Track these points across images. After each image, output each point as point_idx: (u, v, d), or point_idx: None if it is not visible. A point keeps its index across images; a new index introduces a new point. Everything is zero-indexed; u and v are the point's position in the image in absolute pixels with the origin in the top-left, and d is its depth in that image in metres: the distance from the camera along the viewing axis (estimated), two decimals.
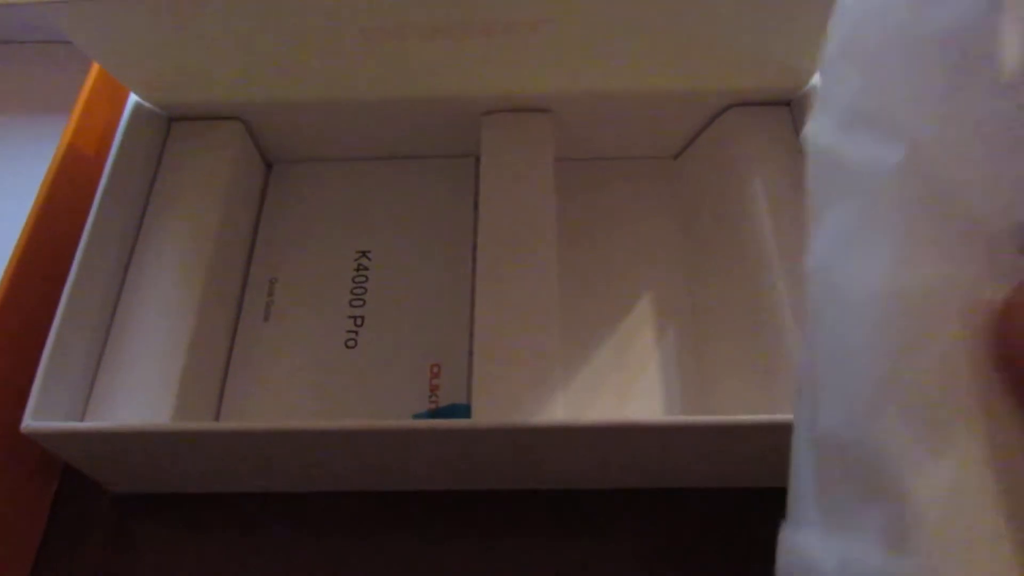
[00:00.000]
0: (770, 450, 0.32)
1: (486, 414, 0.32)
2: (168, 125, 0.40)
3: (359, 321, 0.39)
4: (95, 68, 0.40)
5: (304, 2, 0.26)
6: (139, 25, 0.33)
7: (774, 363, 0.33)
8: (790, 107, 0.39)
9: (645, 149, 0.43)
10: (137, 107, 0.38)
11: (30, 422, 0.30)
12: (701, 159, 0.41)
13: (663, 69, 0.37)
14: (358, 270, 0.41)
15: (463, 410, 0.36)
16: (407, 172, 0.43)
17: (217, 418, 0.37)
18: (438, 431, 0.31)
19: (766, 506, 0.34)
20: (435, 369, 0.38)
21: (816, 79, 0.37)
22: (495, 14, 0.32)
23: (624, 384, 0.37)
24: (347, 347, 0.39)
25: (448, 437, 0.31)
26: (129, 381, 0.33)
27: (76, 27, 0.33)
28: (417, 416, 0.36)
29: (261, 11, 0.32)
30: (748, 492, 0.35)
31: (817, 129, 0.19)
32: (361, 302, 0.40)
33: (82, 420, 0.32)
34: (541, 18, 0.33)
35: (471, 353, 0.37)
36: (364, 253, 0.41)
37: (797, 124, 0.39)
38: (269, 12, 0.32)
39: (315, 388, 0.38)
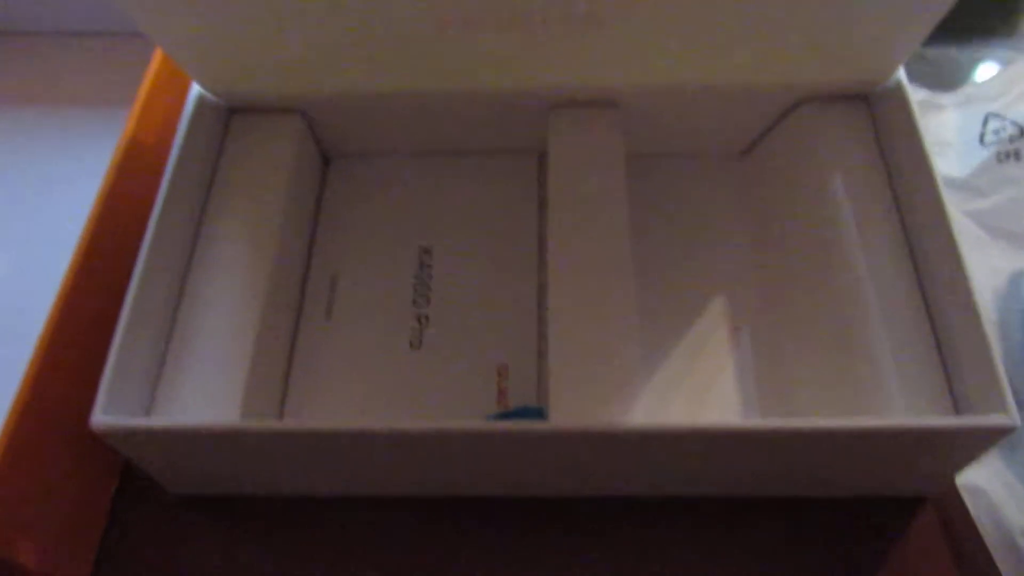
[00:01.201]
0: (857, 459, 0.31)
1: (564, 417, 0.31)
2: (228, 117, 0.39)
3: (423, 320, 0.38)
4: (156, 60, 0.40)
5: None
6: (206, 11, 0.32)
7: (861, 372, 0.32)
8: (867, 102, 0.38)
9: (712, 145, 0.42)
10: (199, 98, 0.38)
11: (100, 416, 0.29)
12: (773, 156, 0.40)
13: (733, 62, 0.36)
14: (421, 267, 0.40)
15: (535, 413, 0.35)
16: (469, 168, 0.42)
17: (280, 417, 0.36)
18: (513, 434, 0.30)
19: (847, 517, 0.33)
20: (503, 371, 0.37)
21: (899, 73, 0.36)
22: (569, 7, 0.31)
23: (699, 388, 0.35)
24: (411, 347, 0.38)
25: (524, 440, 0.30)
26: (195, 378, 0.32)
27: (143, 13, 0.32)
28: (488, 417, 0.35)
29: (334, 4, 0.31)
30: (828, 501, 0.34)
31: None
32: (425, 300, 0.39)
33: (148, 417, 0.32)
34: (610, 13, 0.32)
35: (539, 354, 0.37)
36: (426, 250, 0.40)
37: (876, 120, 0.37)
38: (344, 1, 0.31)
39: (378, 389, 0.37)
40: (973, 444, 0.29)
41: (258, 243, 0.36)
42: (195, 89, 0.38)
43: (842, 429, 0.28)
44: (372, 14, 0.32)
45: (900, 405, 0.30)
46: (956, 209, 0.39)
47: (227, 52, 0.35)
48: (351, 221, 0.41)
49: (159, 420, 0.31)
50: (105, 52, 0.45)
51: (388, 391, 0.37)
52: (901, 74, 0.36)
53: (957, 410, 0.30)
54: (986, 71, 0.43)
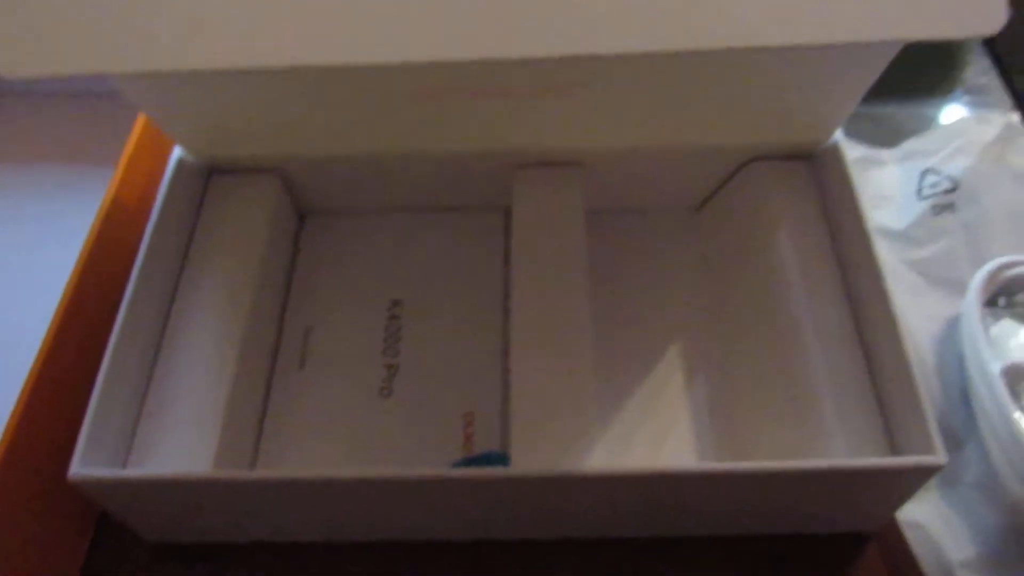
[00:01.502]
0: (802, 497, 0.32)
1: (525, 462, 0.32)
2: (208, 177, 0.41)
3: (393, 370, 0.40)
4: (140, 121, 0.42)
5: (354, 69, 0.27)
6: (190, 86, 0.34)
7: (806, 416, 0.34)
8: (811, 160, 0.41)
9: (669, 200, 0.44)
10: (180, 160, 0.40)
11: (78, 469, 0.30)
12: (724, 211, 0.42)
13: (688, 126, 0.39)
14: (391, 319, 0.41)
15: (499, 458, 0.36)
16: (439, 224, 0.44)
17: (254, 466, 0.37)
18: (477, 480, 0.31)
19: (796, 553, 0.35)
20: (469, 418, 0.38)
21: (836, 134, 0.39)
22: (532, 79, 0.34)
23: (657, 432, 0.37)
24: (381, 395, 0.39)
25: (487, 486, 0.31)
26: (170, 430, 0.34)
27: (130, 87, 0.34)
28: (453, 464, 0.37)
29: (310, 77, 0.33)
30: (779, 538, 0.35)
31: None
32: (394, 351, 0.40)
33: (124, 468, 0.33)
34: (574, 82, 0.34)
35: (505, 401, 0.38)
36: (397, 303, 0.42)
37: (817, 178, 0.40)
38: (318, 77, 0.33)
39: (349, 436, 0.38)
40: (908, 482, 0.31)
41: (234, 298, 0.37)
42: (176, 151, 0.40)
43: (788, 470, 0.30)
44: (347, 88, 0.35)
45: (841, 446, 0.32)
46: (895, 258, 0.42)
47: (209, 118, 0.37)
48: (325, 275, 0.43)
49: (134, 471, 0.32)
50: (88, 111, 0.47)
51: (359, 438, 0.38)
52: (839, 135, 0.39)
53: (893, 450, 0.32)
54: (924, 128, 0.46)
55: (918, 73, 0.49)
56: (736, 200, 0.42)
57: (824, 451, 0.32)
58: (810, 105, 0.37)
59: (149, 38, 0.27)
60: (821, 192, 0.39)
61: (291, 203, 0.44)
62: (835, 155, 0.38)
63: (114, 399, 0.33)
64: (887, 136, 0.46)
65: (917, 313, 0.40)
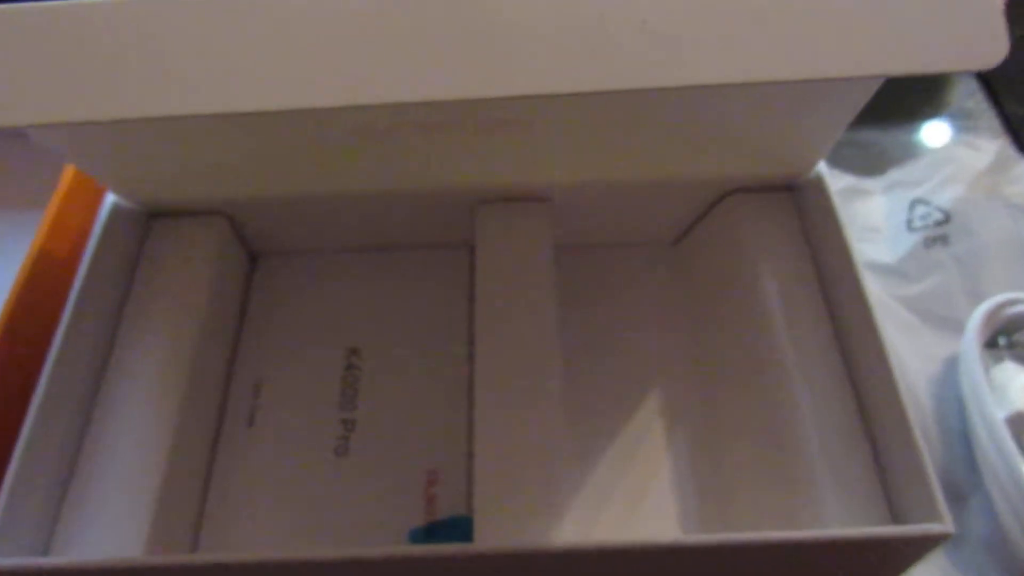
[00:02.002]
0: (796, 569, 0.30)
1: (490, 535, 0.29)
2: (148, 221, 0.38)
3: (350, 425, 0.37)
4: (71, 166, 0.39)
5: (291, 111, 0.24)
6: (114, 132, 0.31)
7: (791, 468, 0.31)
8: (793, 192, 0.38)
9: (643, 235, 0.42)
10: (115, 205, 0.37)
11: None
12: (702, 245, 0.40)
13: (663, 158, 0.36)
14: (348, 369, 0.38)
15: (464, 524, 0.33)
16: (399, 263, 0.42)
17: (196, 537, 0.34)
18: (437, 558, 0.28)
19: None
20: (432, 476, 0.35)
21: (819, 165, 0.36)
22: (491, 113, 0.31)
23: (633, 493, 0.34)
24: (337, 454, 0.36)
25: (448, 564, 0.29)
26: (99, 508, 0.30)
27: (45, 135, 0.31)
28: (415, 531, 0.34)
29: (246, 119, 0.30)
30: None
31: None
32: (352, 404, 0.37)
33: (46, 554, 0.30)
34: (538, 116, 0.31)
35: (470, 456, 0.35)
36: (354, 351, 0.39)
37: (800, 210, 0.37)
38: (258, 119, 0.30)
39: (303, 499, 0.35)
40: (910, 552, 0.28)
41: (175, 353, 0.34)
42: (111, 196, 0.37)
43: (779, 542, 0.27)
44: (287, 129, 0.32)
45: (835, 512, 0.29)
46: (886, 294, 0.39)
47: (140, 163, 0.34)
48: (278, 322, 0.40)
49: (55, 559, 0.29)
50: (12, 151, 0.44)
51: (312, 502, 0.35)
52: (822, 167, 0.36)
53: (893, 515, 0.29)
54: (911, 155, 0.44)
55: (900, 96, 0.47)
56: (714, 235, 0.39)
57: (818, 517, 0.29)
58: (792, 136, 0.35)
59: (70, 87, 0.24)
60: (805, 225, 0.37)
61: (240, 245, 0.41)
62: (819, 186, 0.36)
63: (35, 475, 0.30)
64: (872, 164, 0.44)
65: (911, 353, 0.37)
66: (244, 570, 0.28)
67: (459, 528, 0.33)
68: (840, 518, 0.29)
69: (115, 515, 0.30)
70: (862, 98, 0.30)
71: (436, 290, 0.41)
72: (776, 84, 0.24)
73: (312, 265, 0.42)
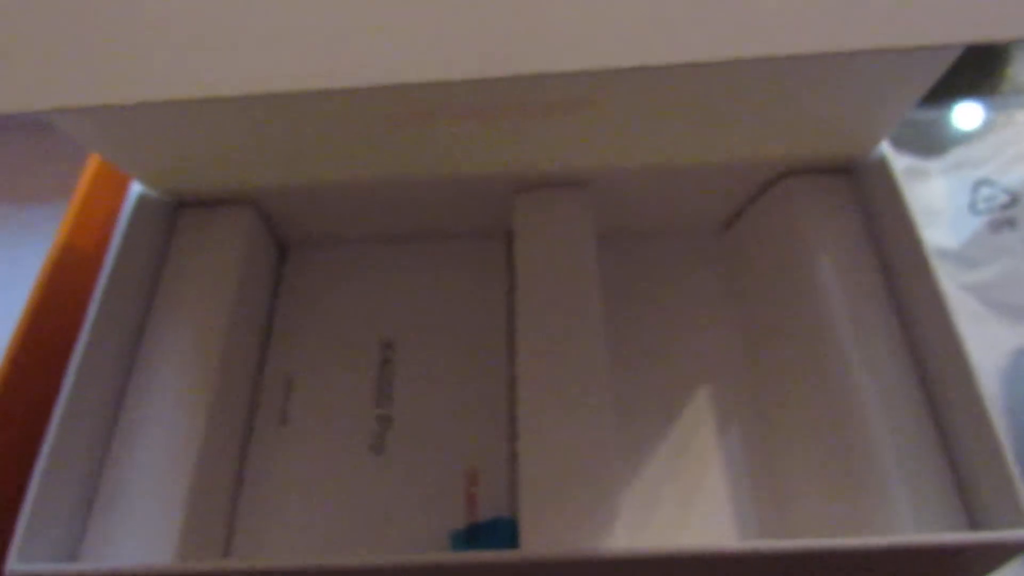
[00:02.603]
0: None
1: (537, 540, 0.28)
2: (175, 212, 0.37)
3: (386, 422, 0.35)
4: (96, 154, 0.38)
5: (323, 93, 0.23)
6: (141, 118, 0.30)
7: (859, 469, 0.29)
8: (852, 175, 0.36)
9: (689, 222, 0.40)
10: (141, 195, 0.35)
11: (15, 566, 0.26)
12: (754, 232, 0.38)
13: (712, 139, 0.34)
14: (383, 364, 0.37)
15: (507, 525, 0.32)
16: (433, 254, 0.40)
17: (229, 541, 0.33)
18: (483, 565, 0.27)
19: None
20: (472, 476, 0.34)
21: (882, 145, 0.34)
22: (531, 96, 0.29)
23: (685, 495, 0.33)
24: (372, 451, 0.35)
25: (494, 571, 0.27)
26: (129, 513, 0.29)
27: (69, 121, 0.30)
28: (456, 533, 0.32)
29: (279, 103, 0.29)
30: None
31: None
32: (388, 400, 0.36)
33: (75, 561, 0.28)
34: (582, 99, 0.30)
35: (513, 456, 0.34)
36: (390, 344, 0.37)
37: (861, 194, 0.35)
38: (284, 102, 0.29)
39: (339, 499, 0.34)
40: (992, 559, 0.26)
41: (205, 348, 0.33)
42: (137, 185, 0.36)
43: (848, 549, 0.25)
44: (319, 113, 0.30)
45: (908, 517, 0.27)
46: (951, 282, 0.37)
47: (169, 152, 0.33)
48: (309, 315, 0.39)
49: (82, 565, 0.28)
50: (38, 144, 0.43)
51: (348, 502, 0.34)
52: (885, 146, 0.34)
53: (971, 521, 0.27)
54: (972, 133, 0.41)
55: (961, 71, 0.44)
56: (767, 221, 0.37)
57: (889, 523, 0.27)
58: (856, 113, 0.32)
59: (92, 69, 0.23)
60: (866, 210, 0.35)
61: (270, 236, 0.39)
62: (882, 167, 0.34)
63: (62, 477, 0.28)
64: (932, 144, 0.41)
65: (977, 345, 0.35)
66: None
67: (502, 530, 0.32)
68: (913, 524, 0.27)
69: (145, 520, 0.29)
70: (936, 71, 0.28)
71: (473, 281, 0.39)
72: (851, 55, 0.22)
73: (344, 256, 0.40)
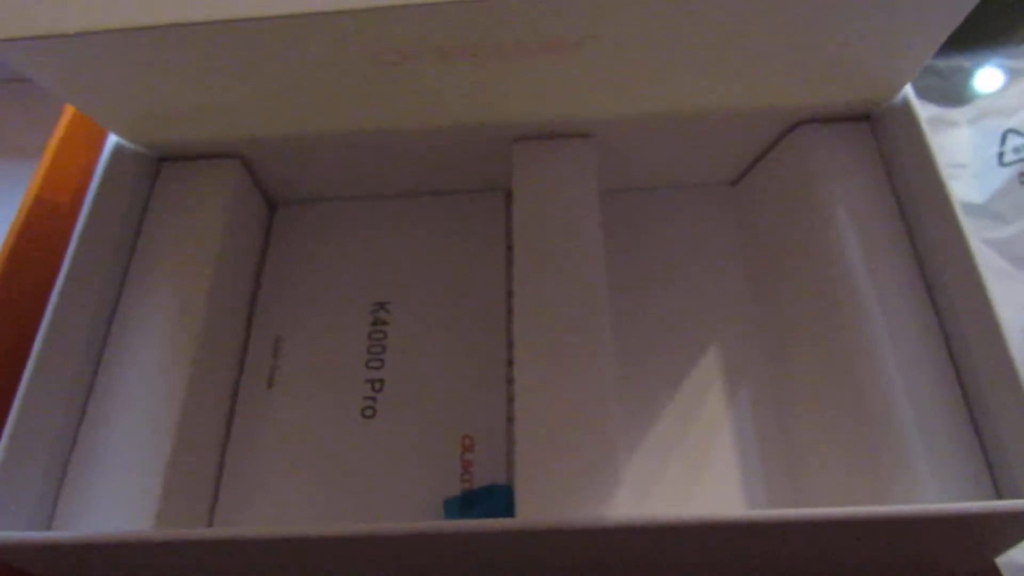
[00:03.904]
0: (880, 549, 0.26)
1: (533, 508, 0.26)
2: (157, 166, 0.35)
3: (377, 386, 0.34)
4: (70, 107, 0.36)
5: (305, 29, 0.21)
6: (114, 61, 0.28)
7: (877, 434, 0.27)
8: (870, 121, 0.34)
9: (698, 175, 0.38)
10: (118, 148, 0.33)
11: None
12: (767, 185, 0.36)
13: (723, 86, 0.32)
14: (375, 325, 0.35)
15: (503, 493, 0.30)
16: (428, 210, 0.38)
17: (213, 509, 0.31)
18: (476, 534, 0.25)
19: None
20: (467, 442, 0.32)
21: (906, 89, 0.32)
22: (531, 33, 0.27)
23: (692, 461, 0.31)
24: (364, 416, 0.33)
25: (488, 538, 0.25)
26: (105, 478, 0.28)
27: (38, 65, 0.28)
28: (450, 501, 0.31)
29: (257, 41, 0.27)
30: None
31: None
32: (379, 363, 0.34)
33: (49, 528, 0.27)
34: (585, 35, 0.27)
35: (509, 421, 0.32)
36: (382, 305, 0.36)
37: (881, 142, 0.33)
38: (266, 42, 0.27)
39: (328, 465, 0.32)
40: (1019, 529, 0.25)
41: (186, 308, 0.31)
42: (113, 137, 0.34)
43: (863, 518, 0.24)
44: (302, 54, 0.28)
45: (930, 486, 0.25)
46: (976, 238, 0.35)
47: (145, 101, 0.31)
48: (298, 275, 0.37)
49: (54, 533, 0.26)
50: (8, 98, 0.41)
51: (338, 467, 0.32)
52: (908, 90, 0.32)
53: (997, 489, 0.25)
54: (1000, 81, 0.39)
55: (986, 16, 0.41)
56: (781, 172, 0.35)
57: (909, 490, 0.25)
58: (878, 56, 0.30)
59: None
60: (886, 160, 0.33)
61: (257, 192, 0.37)
62: (906, 113, 0.31)
63: (34, 440, 0.27)
64: (957, 92, 0.39)
65: (1004, 303, 0.33)
66: (266, 546, 0.26)
67: (497, 497, 0.30)
68: (936, 492, 0.25)
69: (123, 485, 0.28)
70: (962, 9, 0.26)
71: (469, 239, 0.37)
72: None
73: (334, 213, 0.39)
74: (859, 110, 0.33)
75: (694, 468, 0.31)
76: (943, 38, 0.28)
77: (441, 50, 0.28)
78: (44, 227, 0.32)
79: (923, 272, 0.30)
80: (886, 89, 0.32)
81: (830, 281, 0.30)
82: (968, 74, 0.40)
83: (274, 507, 0.31)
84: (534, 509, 0.26)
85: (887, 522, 0.24)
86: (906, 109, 0.31)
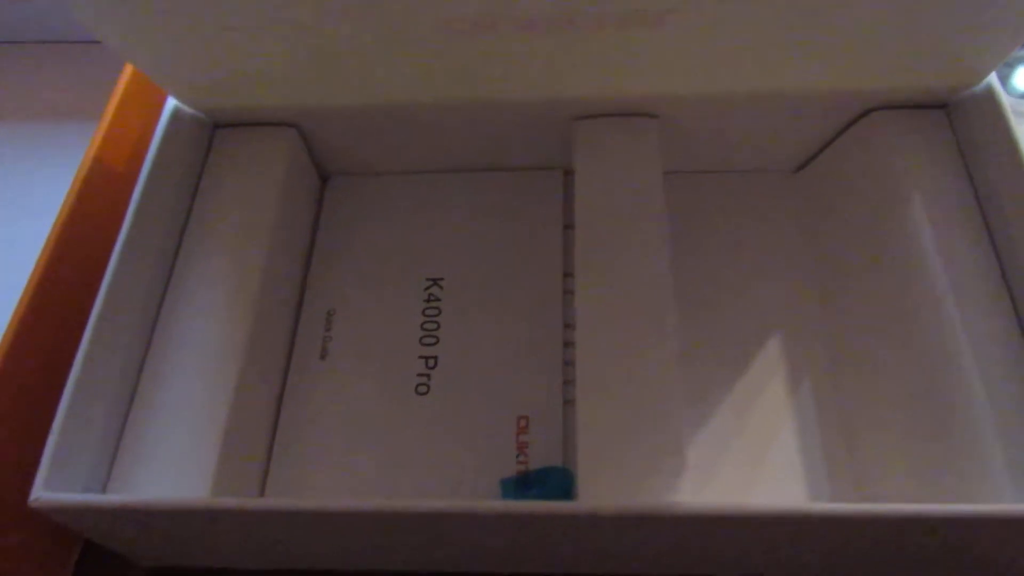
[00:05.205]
0: (952, 547, 0.25)
1: (597, 493, 0.26)
2: (212, 133, 0.35)
3: (431, 363, 0.33)
4: (128, 69, 0.35)
5: None
6: (179, 21, 0.27)
7: (951, 431, 0.26)
8: (947, 110, 0.33)
9: (761, 161, 0.37)
10: (176, 112, 0.33)
11: (41, 494, 0.24)
12: (838, 171, 0.35)
13: (799, 67, 0.31)
14: (429, 301, 0.35)
15: (560, 475, 0.30)
16: (482, 187, 0.37)
17: (264, 478, 0.31)
18: (537, 516, 0.24)
19: None
20: (523, 423, 0.32)
21: (989, 78, 0.31)
22: (616, 3, 0.26)
23: (752, 451, 0.30)
24: (417, 393, 0.33)
25: (548, 522, 0.25)
26: (161, 443, 0.27)
27: (104, 23, 0.27)
28: (506, 481, 0.30)
29: (326, 3, 0.26)
30: None
31: None
32: (433, 339, 0.34)
33: (104, 491, 0.27)
34: (669, 9, 0.26)
35: (566, 404, 0.32)
36: (435, 281, 0.35)
37: (959, 131, 0.32)
38: (335, 3, 0.26)
39: (381, 440, 0.32)
40: None
41: (241, 277, 0.31)
42: (172, 100, 0.33)
43: (936, 515, 0.23)
44: (371, 17, 0.28)
45: (1006, 486, 0.24)
46: None
47: (206, 63, 0.30)
48: (350, 248, 0.36)
49: (113, 498, 0.26)
50: (68, 62, 0.40)
51: (391, 445, 0.32)
52: (993, 78, 0.30)
53: None
54: None
55: None
56: (852, 159, 0.34)
57: (983, 491, 0.25)
58: (965, 41, 0.29)
59: None
60: (964, 150, 0.31)
61: (311, 162, 0.37)
62: (989, 102, 0.30)
63: (91, 405, 0.27)
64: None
65: None
66: (316, 519, 0.25)
67: (555, 480, 0.30)
68: (1012, 492, 0.24)
69: (179, 452, 0.28)
70: None
71: (525, 217, 0.36)
72: None
73: (386, 187, 0.38)
74: (937, 97, 0.32)
75: (754, 458, 0.30)
76: None
77: (517, 20, 0.27)
78: (102, 185, 0.32)
79: (1002, 264, 0.29)
80: (969, 76, 0.31)
81: (903, 272, 0.29)
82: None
83: (326, 478, 0.31)
84: (598, 493, 0.26)
85: (963, 521, 0.23)
86: (989, 97, 0.30)
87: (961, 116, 0.32)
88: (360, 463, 0.31)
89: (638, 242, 0.31)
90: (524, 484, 0.30)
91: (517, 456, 0.31)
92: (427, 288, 0.35)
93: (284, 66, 0.31)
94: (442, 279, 0.35)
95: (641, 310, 0.29)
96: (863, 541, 0.25)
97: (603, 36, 0.28)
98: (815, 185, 0.36)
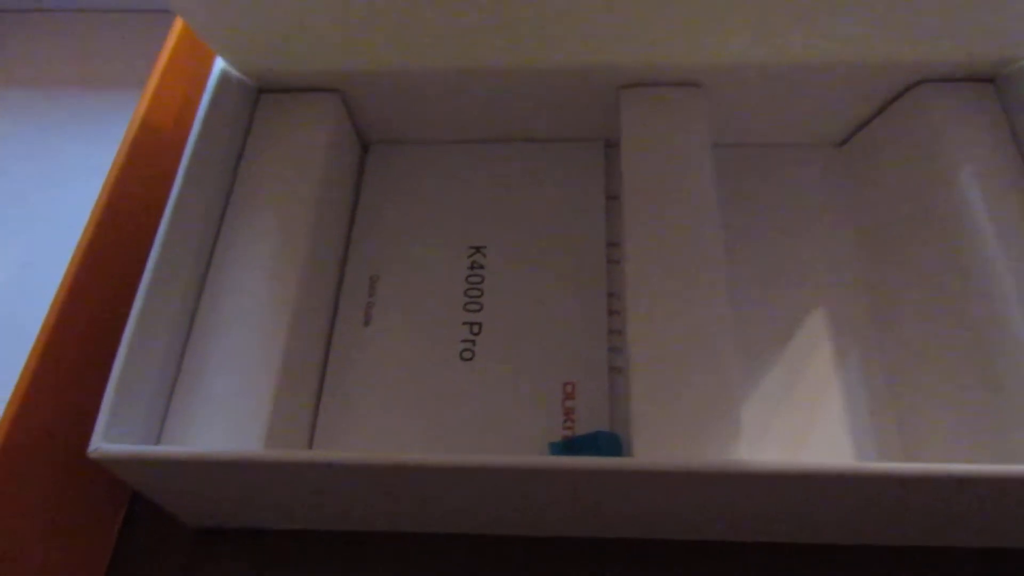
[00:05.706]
0: (1000, 508, 0.25)
1: (650, 449, 0.26)
2: (256, 97, 0.35)
3: (476, 328, 0.33)
4: (173, 38, 0.35)
5: None
6: None
7: (1004, 399, 0.26)
8: (995, 84, 0.33)
9: (805, 134, 0.37)
10: (224, 75, 0.33)
11: (100, 444, 0.24)
12: (885, 143, 0.35)
13: (840, 36, 0.31)
14: (472, 268, 0.35)
15: (608, 440, 0.30)
16: (527, 156, 0.37)
17: (311, 441, 0.31)
18: (590, 472, 0.24)
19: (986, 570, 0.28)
20: (569, 388, 0.32)
21: None
22: None
23: (801, 415, 0.30)
24: (462, 359, 0.33)
25: (600, 479, 0.25)
26: (214, 398, 0.28)
27: None
28: (554, 445, 0.30)
29: None
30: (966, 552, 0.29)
31: None
32: (477, 306, 0.34)
33: (158, 444, 0.27)
34: None
35: (611, 371, 0.32)
36: (479, 249, 0.35)
37: (1006, 105, 0.32)
38: None
39: (426, 405, 0.32)
40: None
41: (288, 240, 0.31)
42: (219, 64, 0.33)
43: (987, 476, 0.23)
44: None
45: None
46: None
47: (256, 23, 0.30)
48: (393, 215, 0.36)
49: (169, 449, 0.26)
50: (115, 29, 0.41)
51: (435, 409, 0.32)
52: None
53: None
54: None
55: None
56: (901, 131, 0.34)
57: None
58: (1010, 11, 0.29)
59: None
60: (1013, 123, 0.31)
61: (353, 129, 0.37)
62: None
63: (145, 360, 0.27)
64: None
65: None
66: (368, 472, 0.25)
67: (604, 443, 0.30)
68: None
69: (230, 411, 0.28)
70: None
71: (569, 186, 0.36)
72: None
73: (428, 155, 0.38)
74: (984, 71, 0.32)
75: (801, 422, 0.30)
76: None
77: None
78: (151, 149, 0.32)
79: None
80: (1017, 49, 0.31)
81: (955, 238, 0.29)
82: None
83: (371, 442, 0.31)
84: (650, 450, 0.26)
85: (1015, 481, 0.23)
86: None
87: (1010, 89, 0.32)
88: (405, 429, 0.31)
89: (688, 213, 0.30)
90: (573, 448, 0.30)
91: (564, 422, 0.31)
92: (470, 256, 0.35)
93: (332, 25, 0.31)
94: (485, 247, 0.35)
95: (692, 281, 0.29)
96: (919, 498, 0.25)
97: (645, 3, 0.28)
98: (861, 157, 0.36)
